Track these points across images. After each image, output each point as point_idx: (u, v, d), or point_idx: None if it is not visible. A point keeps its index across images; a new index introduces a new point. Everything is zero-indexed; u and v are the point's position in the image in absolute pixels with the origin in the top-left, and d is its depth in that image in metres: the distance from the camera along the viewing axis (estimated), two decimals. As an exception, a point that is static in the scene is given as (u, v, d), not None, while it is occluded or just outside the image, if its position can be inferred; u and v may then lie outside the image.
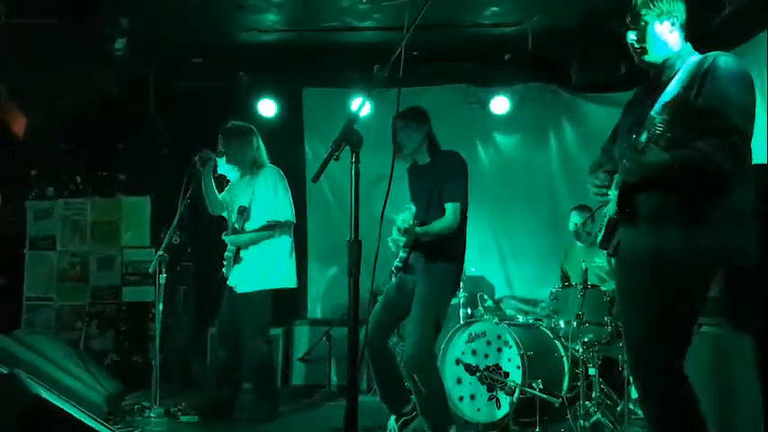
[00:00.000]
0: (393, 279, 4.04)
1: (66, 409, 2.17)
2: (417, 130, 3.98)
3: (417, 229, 3.81)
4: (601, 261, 5.26)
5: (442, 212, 3.89)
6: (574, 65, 6.00)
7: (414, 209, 3.78)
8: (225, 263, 4.65)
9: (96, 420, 2.34)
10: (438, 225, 3.86)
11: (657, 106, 2.41)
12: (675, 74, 2.50)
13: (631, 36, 2.59)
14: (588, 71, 5.95)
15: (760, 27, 4.69)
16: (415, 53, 5.73)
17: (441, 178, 3.93)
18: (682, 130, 2.36)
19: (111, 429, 2.45)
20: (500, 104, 6.34)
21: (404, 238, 3.80)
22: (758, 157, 3.92)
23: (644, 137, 2.33)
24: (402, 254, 3.92)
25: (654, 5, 2.54)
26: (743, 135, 2.35)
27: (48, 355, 4.39)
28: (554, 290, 4.73)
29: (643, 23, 2.55)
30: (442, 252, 3.90)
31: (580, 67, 5.99)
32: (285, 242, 4.66)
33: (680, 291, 2.42)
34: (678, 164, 2.37)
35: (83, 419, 2.19)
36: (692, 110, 2.39)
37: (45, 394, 2.17)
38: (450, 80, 6.39)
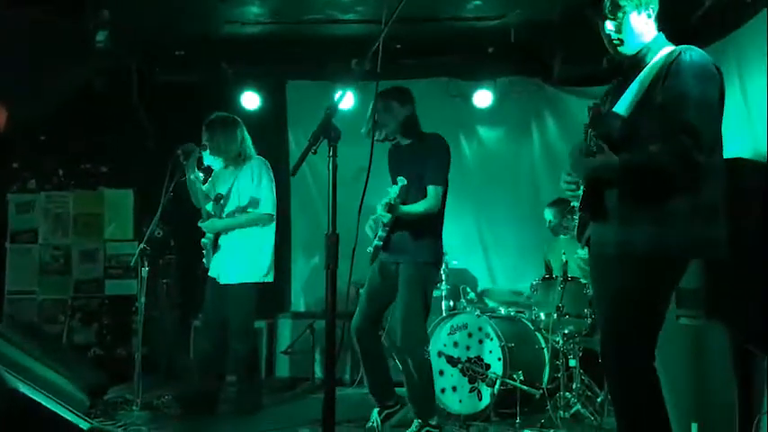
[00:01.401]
0: (374, 263, 4.04)
1: (44, 403, 2.16)
2: (399, 109, 3.96)
3: (402, 207, 3.80)
4: (583, 253, 5.28)
5: (423, 194, 3.88)
6: (556, 58, 6.03)
7: (402, 183, 3.72)
8: (204, 251, 4.64)
9: (76, 414, 2.34)
10: (421, 206, 3.86)
11: (621, 102, 2.44)
12: (644, 67, 2.51)
13: (609, 26, 2.55)
14: (571, 64, 5.98)
15: (738, 23, 4.72)
16: (398, 46, 5.74)
17: (423, 159, 3.92)
18: (645, 126, 2.39)
19: (91, 423, 2.45)
20: (483, 98, 6.35)
21: (388, 215, 3.78)
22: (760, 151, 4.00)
23: (592, 140, 2.38)
24: (381, 232, 3.91)
25: None
26: (696, 133, 2.34)
27: (29, 350, 4.37)
28: (535, 282, 4.77)
29: (621, 14, 2.53)
30: (425, 231, 3.91)
31: (563, 60, 6.03)
32: (270, 234, 4.66)
33: (645, 287, 2.45)
34: (626, 167, 2.40)
35: (62, 413, 2.19)
36: (654, 106, 2.40)
37: (23, 389, 2.17)
38: (433, 73, 6.39)
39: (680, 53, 2.43)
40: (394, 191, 3.72)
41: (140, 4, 5.28)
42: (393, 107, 3.96)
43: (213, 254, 4.61)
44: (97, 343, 6.52)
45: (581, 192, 2.57)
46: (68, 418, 2.15)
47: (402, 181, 3.72)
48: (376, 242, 3.93)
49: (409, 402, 3.96)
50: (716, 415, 3.38)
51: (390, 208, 3.75)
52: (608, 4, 2.53)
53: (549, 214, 5.39)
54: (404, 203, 3.82)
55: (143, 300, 4.62)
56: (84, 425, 2.27)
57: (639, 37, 2.56)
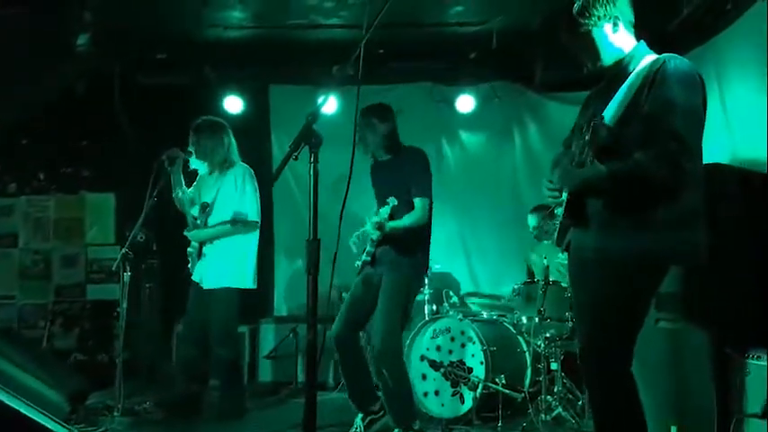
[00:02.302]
0: (359, 275, 4.07)
1: (21, 409, 2.14)
2: (380, 127, 4.01)
3: (390, 223, 3.84)
4: (564, 257, 5.31)
5: (408, 208, 3.92)
6: (538, 64, 6.08)
7: (393, 203, 3.79)
8: (189, 259, 4.64)
9: (54, 420, 2.32)
10: (408, 220, 3.90)
11: (607, 111, 2.47)
12: (629, 75, 2.53)
13: (580, 43, 2.60)
14: (552, 70, 6.03)
15: (717, 30, 4.78)
16: (381, 51, 5.76)
17: (406, 174, 3.97)
18: (631, 134, 2.41)
19: (69, 429, 2.43)
20: (465, 103, 6.38)
21: (377, 232, 3.83)
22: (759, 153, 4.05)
23: (579, 150, 2.40)
24: (369, 248, 3.96)
25: (589, 14, 2.55)
26: (683, 140, 2.37)
27: (7, 355, 4.32)
28: (516, 286, 4.79)
29: (584, 33, 2.57)
30: (410, 245, 3.95)
31: (544, 66, 6.07)
32: (254, 241, 4.66)
33: (624, 293, 2.46)
34: (614, 178, 2.42)
35: (39, 420, 2.17)
36: (641, 114, 2.43)
37: (0, 395, 2.15)
38: (416, 78, 6.42)
39: (665, 62, 2.46)
40: (385, 211, 3.79)
41: (123, 7, 5.26)
42: (374, 124, 4.00)
43: (198, 261, 4.60)
44: (78, 348, 6.47)
45: (564, 198, 2.59)
46: (45, 424, 2.14)
47: (393, 201, 3.79)
48: (364, 257, 3.98)
49: (388, 410, 3.97)
50: (695, 418, 3.41)
51: (380, 226, 3.80)
52: (571, 25, 2.58)
53: (532, 220, 5.42)
54: (391, 218, 3.86)
55: (125, 305, 4.59)
56: (60, 430, 2.25)
57: (611, 47, 2.60)
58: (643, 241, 2.43)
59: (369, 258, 3.98)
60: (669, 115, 2.37)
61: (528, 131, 6.54)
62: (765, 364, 3.16)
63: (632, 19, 2.64)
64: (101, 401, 4.84)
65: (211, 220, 4.58)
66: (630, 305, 2.49)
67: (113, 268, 4.60)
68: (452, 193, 6.15)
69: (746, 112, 4.45)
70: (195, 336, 4.61)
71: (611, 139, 2.43)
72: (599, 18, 2.56)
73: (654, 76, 2.43)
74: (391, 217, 3.85)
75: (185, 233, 4.63)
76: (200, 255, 4.58)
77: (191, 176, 4.80)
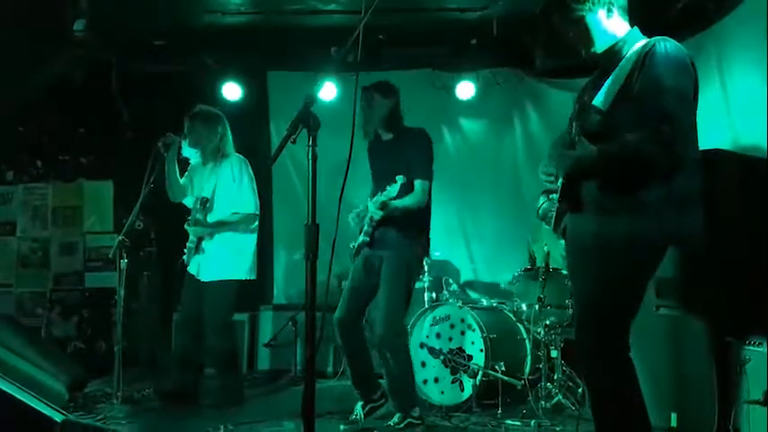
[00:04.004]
0: (358, 258, 4.04)
1: (18, 395, 2.13)
2: (383, 104, 3.96)
3: (392, 202, 3.80)
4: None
5: (409, 189, 3.88)
6: (538, 50, 6.03)
7: (401, 181, 3.72)
8: (186, 252, 4.62)
9: (50, 406, 2.31)
10: (409, 200, 3.87)
11: (599, 96, 2.45)
12: (621, 60, 2.52)
13: (572, 32, 2.60)
14: (552, 57, 5.98)
15: (718, 16, 4.75)
16: (380, 37, 5.71)
17: (408, 154, 3.92)
18: (623, 117, 2.39)
19: (65, 415, 2.42)
20: (465, 89, 6.34)
21: (380, 212, 3.80)
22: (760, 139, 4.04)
23: (574, 131, 2.39)
24: (368, 228, 3.92)
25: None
26: (676, 121, 2.36)
27: (7, 343, 4.32)
28: (516, 273, 4.78)
29: (578, 18, 2.56)
30: (410, 227, 3.92)
31: (544, 52, 6.02)
32: (253, 236, 4.64)
33: (621, 277, 2.45)
34: (605, 157, 2.42)
35: (36, 406, 2.16)
36: (631, 97, 2.41)
37: (-1, 382, 2.14)
38: (416, 65, 6.36)
39: (654, 44, 2.45)
40: (394, 189, 3.73)
41: (120, -6, 5.21)
42: (376, 101, 3.95)
43: (195, 255, 4.58)
44: (77, 336, 6.46)
45: (560, 183, 2.58)
46: (42, 410, 2.12)
47: (401, 179, 3.73)
48: (363, 238, 3.95)
49: (389, 395, 3.97)
50: (695, 405, 3.41)
51: (383, 205, 3.76)
52: (564, 11, 2.58)
53: (546, 204, 5.34)
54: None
55: (122, 292, 4.58)
56: (57, 417, 2.24)
57: (605, 33, 2.59)
58: (639, 223, 2.42)
59: (367, 239, 3.94)
60: (659, 96, 2.37)
61: (528, 118, 6.50)
62: (765, 351, 3.16)
63: (626, 5, 2.63)
64: (99, 389, 4.85)
65: (211, 216, 4.55)
66: (629, 288, 2.48)
67: (110, 256, 4.59)
68: (452, 181, 6.11)
69: (747, 99, 4.43)
70: (191, 325, 4.60)
71: (601, 122, 2.42)
72: (593, 4, 2.56)
73: (643, 59, 2.43)
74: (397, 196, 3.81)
75: (186, 227, 4.60)
76: (198, 250, 4.56)
77: (184, 167, 4.78)
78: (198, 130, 4.59)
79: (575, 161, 2.50)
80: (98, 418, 4.15)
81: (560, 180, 2.58)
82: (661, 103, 2.36)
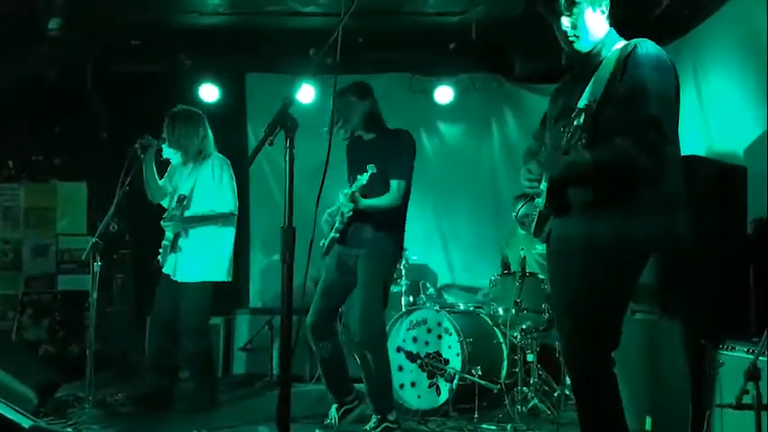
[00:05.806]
0: (329, 257, 4.00)
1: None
2: (359, 105, 3.95)
3: (364, 200, 3.78)
4: (541, 248, 5.30)
5: (385, 188, 3.86)
6: (517, 55, 6.06)
7: (372, 171, 3.70)
8: (161, 251, 4.56)
9: (19, 412, 2.25)
10: (382, 201, 3.85)
11: (585, 97, 2.45)
12: (601, 62, 2.53)
13: (565, 23, 2.56)
14: (531, 62, 6.01)
15: (694, 23, 4.80)
16: (360, 40, 5.70)
17: (387, 154, 3.90)
18: (608, 120, 2.40)
19: (34, 421, 2.36)
20: (444, 94, 6.35)
21: (350, 204, 3.76)
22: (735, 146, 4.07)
23: (566, 137, 2.38)
24: (339, 224, 3.88)
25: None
26: (660, 125, 2.37)
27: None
28: (493, 277, 4.79)
29: (577, 10, 2.54)
30: (384, 225, 3.89)
31: (523, 57, 6.04)
32: (229, 234, 4.59)
33: (609, 281, 2.45)
34: (598, 163, 2.40)
35: (5, 413, 2.11)
36: (617, 100, 2.41)
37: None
38: (395, 68, 6.37)
39: (635, 46, 2.46)
40: (363, 178, 3.70)
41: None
42: (352, 102, 3.94)
43: (170, 254, 4.52)
44: (48, 340, 6.35)
45: (543, 187, 2.57)
46: (9, 415, 2.07)
47: (372, 168, 3.70)
48: (333, 234, 3.91)
49: (368, 398, 3.95)
50: (670, 409, 3.43)
51: (353, 197, 3.73)
52: (564, 0, 2.54)
53: (523, 208, 5.31)
54: (365, 197, 3.80)
55: (95, 295, 4.50)
56: (25, 422, 2.18)
57: (594, 33, 2.58)
58: (627, 227, 2.42)
59: (338, 235, 3.90)
60: (644, 99, 2.37)
61: (506, 123, 6.53)
62: (739, 354, 3.18)
63: (609, 6, 2.63)
64: (71, 394, 4.76)
65: (189, 213, 4.49)
66: (616, 293, 2.48)
67: (83, 258, 4.51)
68: (430, 185, 6.12)
69: (723, 105, 4.48)
70: (165, 328, 4.55)
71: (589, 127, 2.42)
72: (593, 1, 2.56)
73: (625, 61, 2.43)
74: (365, 196, 3.79)
75: (162, 223, 4.55)
76: (174, 248, 4.51)
77: (163, 167, 4.73)
78: (178, 132, 4.54)
79: (568, 165, 2.46)
80: (69, 423, 4.08)
81: (543, 184, 2.57)
82: (648, 107, 2.37)
